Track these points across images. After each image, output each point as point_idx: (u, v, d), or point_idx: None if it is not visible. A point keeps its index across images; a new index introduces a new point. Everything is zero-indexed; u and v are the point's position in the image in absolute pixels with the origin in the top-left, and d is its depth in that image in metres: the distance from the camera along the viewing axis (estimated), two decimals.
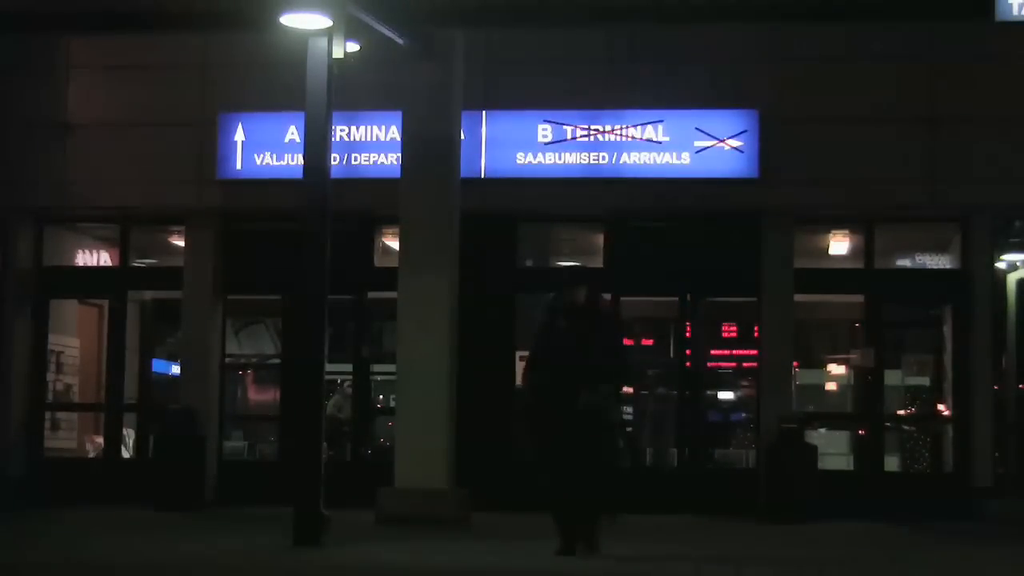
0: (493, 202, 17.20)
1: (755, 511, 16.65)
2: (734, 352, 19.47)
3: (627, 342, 18.80)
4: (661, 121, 17.30)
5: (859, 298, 17.96)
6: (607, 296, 16.76)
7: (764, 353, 17.55)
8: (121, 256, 18.90)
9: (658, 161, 17.30)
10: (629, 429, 18.86)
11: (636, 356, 19.31)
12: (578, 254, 18.95)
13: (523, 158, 17.45)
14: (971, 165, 17.13)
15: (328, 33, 12.72)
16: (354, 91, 15.07)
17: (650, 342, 19.99)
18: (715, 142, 17.22)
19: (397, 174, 16.04)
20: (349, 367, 18.25)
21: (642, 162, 17.34)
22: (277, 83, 16.75)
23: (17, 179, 18.27)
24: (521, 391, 11.22)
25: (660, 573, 10.81)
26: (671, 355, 19.15)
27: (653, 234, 17.93)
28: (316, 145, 12.80)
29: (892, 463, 18.01)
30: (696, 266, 17.70)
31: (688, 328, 18.07)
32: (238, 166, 17.93)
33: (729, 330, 19.58)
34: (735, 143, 17.21)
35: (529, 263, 18.30)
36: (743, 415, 18.98)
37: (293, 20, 12.80)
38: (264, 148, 17.84)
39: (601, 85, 17.51)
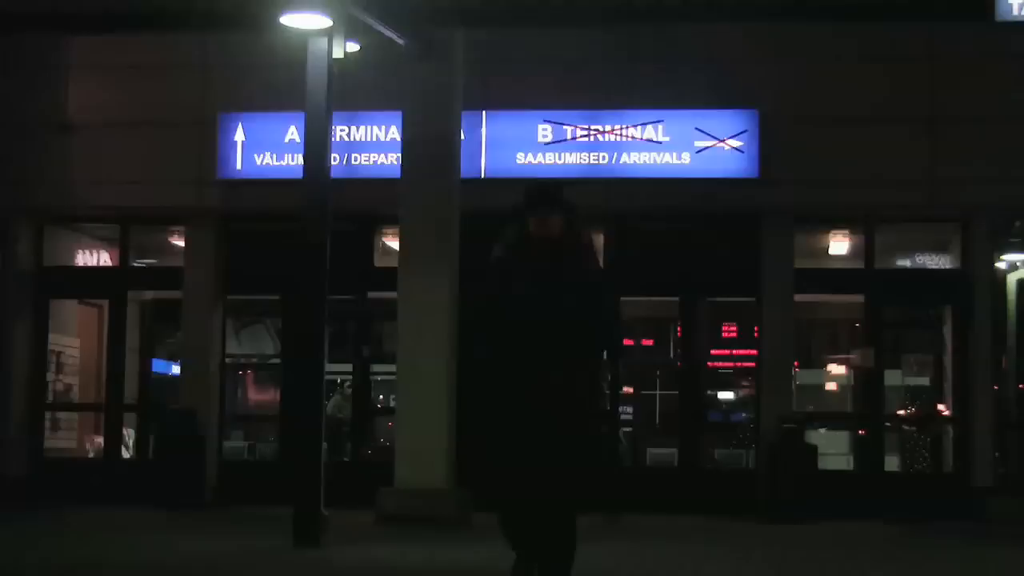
0: (493, 202, 17.11)
1: (755, 511, 16.65)
2: (734, 352, 19.47)
3: (630, 341, 18.98)
4: (661, 121, 17.30)
5: (859, 298, 17.95)
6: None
7: (764, 353, 17.54)
8: (121, 256, 18.90)
9: (658, 161, 17.30)
10: (628, 429, 18.89)
11: (636, 356, 19.36)
12: None
13: (523, 158, 17.44)
14: (971, 165, 17.12)
15: (328, 33, 12.73)
16: (354, 91, 15.08)
17: (650, 342, 20.00)
18: (715, 142, 17.21)
19: (397, 174, 16.04)
20: (349, 367, 18.26)
21: (642, 162, 17.34)
22: (277, 83, 16.75)
23: (17, 179, 18.27)
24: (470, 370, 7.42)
25: (660, 573, 10.82)
26: (671, 355, 19.16)
27: (653, 234, 17.93)
28: (316, 145, 12.80)
29: (892, 463, 18.00)
30: (696, 266, 17.70)
31: (688, 328, 18.05)
32: (238, 166, 17.92)
33: (729, 330, 19.58)
34: (735, 143, 17.21)
35: None
36: (743, 415, 18.98)
37: (293, 20, 12.81)
38: (264, 148, 17.84)
39: (601, 85, 17.50)
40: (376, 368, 18.50)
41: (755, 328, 17.89)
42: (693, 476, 17.53)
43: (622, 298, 17.50)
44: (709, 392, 19.06)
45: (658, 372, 19.81)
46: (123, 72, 18.38)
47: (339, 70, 12.94)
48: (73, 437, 19.43)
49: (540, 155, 17.44)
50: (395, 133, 17.18)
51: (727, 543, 13.42)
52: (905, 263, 18.52)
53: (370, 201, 17.02)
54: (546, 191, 7.39)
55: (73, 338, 19.45)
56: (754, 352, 17.95)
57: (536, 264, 7.27)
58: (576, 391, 7.08)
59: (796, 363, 18.09)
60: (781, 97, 17.32)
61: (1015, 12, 13.52)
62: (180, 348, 18.64)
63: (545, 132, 17.40)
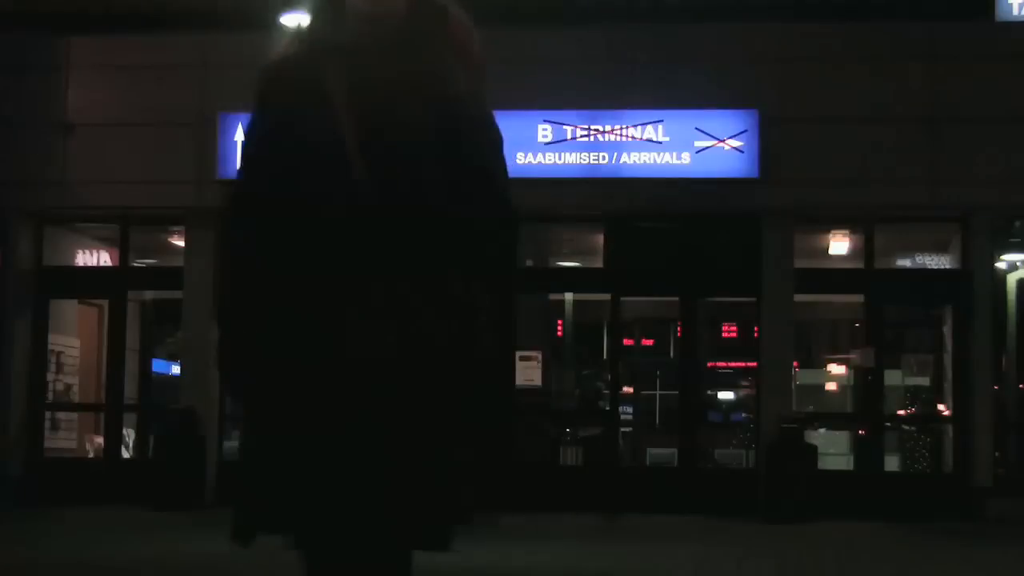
0: None
1: (755, 511, 16.64)
2: (734, 351, 19.47)
3: (630, 340, 18.92)
4: (661, 121, 17.29)
5: (859, 298, 17.95)
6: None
7: (764, 353, 17.53)
8: (121, 256, 18.89)
9: (658, 161, 17.29)
10: (628, 429, 18.85)
11: (636, 356, 19.36)
12: (578, 254, 18.96)
13: (523, 158, 17.42)
14: (971, 165, 17.11)
15: None
16: None
17: (650, 342, 20.01)
18: (715, 142, 17.21)
19: None
20: None
21: (642, 162, 17.33)
22: None
23: (17, 179, 18.26)
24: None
25: (660, 573, 10.82)
26: (671, 355, 19.16)
27: (653, 234, 17.92)
28: None
29: (892, 463, 17.99)
30: (696, 266, 17.69)
31: (688, 328, 18.04)
32: (238, 166, 17.89)
33: (729, 330, 19.59)
34: (735, 143, 17.20)
35: (529, 263, 18.30)
36: (743, 415, 18.99)
37: (293, 20, 12.83)
38: None
39: (601, 85, 17.48)
40: None
41: (755, 328, 17.89)
42: (693, 476, 17.52)
43: (622, 298, 17.78)
44: (709, 392, 19.07)
45: (658, 372, 19.82)
46: (123, 72, 18.37)
47: None
48: (73, 437, 19.42)
49: (540, 155, 17.43)
50: None
51: (727, 543, 13.41)
52: (905, 263, 18.52)
53: None
54: None
55: (73, 338, 19.44)
56: (754, 351, 17.95)
57: (358, 69, 3.74)
58: (443, 351, 3.65)
59: (796, 363, 18.08)
60: (781, 97, 17.31)
61: (1015, 12, 13.55)
62: (180, 348, 18.64)
63: (545, 132, 17.38)
